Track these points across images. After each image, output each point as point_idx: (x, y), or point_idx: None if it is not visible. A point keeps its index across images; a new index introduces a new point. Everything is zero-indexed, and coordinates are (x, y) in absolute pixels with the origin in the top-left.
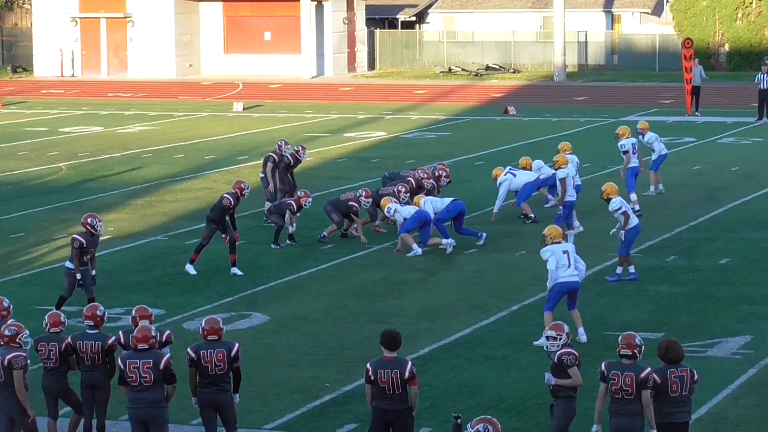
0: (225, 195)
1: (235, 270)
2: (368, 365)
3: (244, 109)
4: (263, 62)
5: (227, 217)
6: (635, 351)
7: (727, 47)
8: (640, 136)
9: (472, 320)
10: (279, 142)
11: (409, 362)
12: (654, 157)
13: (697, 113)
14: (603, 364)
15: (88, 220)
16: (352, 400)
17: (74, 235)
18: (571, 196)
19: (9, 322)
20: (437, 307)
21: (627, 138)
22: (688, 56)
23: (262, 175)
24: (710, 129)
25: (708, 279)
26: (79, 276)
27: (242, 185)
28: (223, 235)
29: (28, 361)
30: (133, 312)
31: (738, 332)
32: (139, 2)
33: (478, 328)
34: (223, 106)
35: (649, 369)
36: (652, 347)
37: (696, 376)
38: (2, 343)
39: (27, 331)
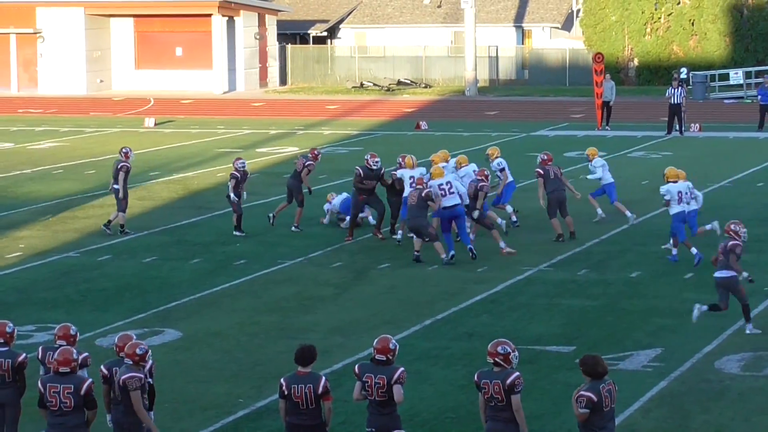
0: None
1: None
2: (282, 380)
3: (155, 124)
4: (175, 78)
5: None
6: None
7: (636, 62)
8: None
9: (384, 335)
10: (235, 161)
11: (323, 377)
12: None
13: (607, 127)
14: (476, 375)
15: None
16: (265, 415)
17: None
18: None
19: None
20: (350, 322)
21: (496, 158)
22: (598, 71)
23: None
24: (620, 143)
25: (619, 292)
26: None
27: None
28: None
29: (147, 381)
30: (56, 330)
31: (649, 345)
32: (49, 18)
33: None
34: (134, 121)
35: (517, 374)
36: (564, 360)
37: (616, 387)
38: (131, 362)
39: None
